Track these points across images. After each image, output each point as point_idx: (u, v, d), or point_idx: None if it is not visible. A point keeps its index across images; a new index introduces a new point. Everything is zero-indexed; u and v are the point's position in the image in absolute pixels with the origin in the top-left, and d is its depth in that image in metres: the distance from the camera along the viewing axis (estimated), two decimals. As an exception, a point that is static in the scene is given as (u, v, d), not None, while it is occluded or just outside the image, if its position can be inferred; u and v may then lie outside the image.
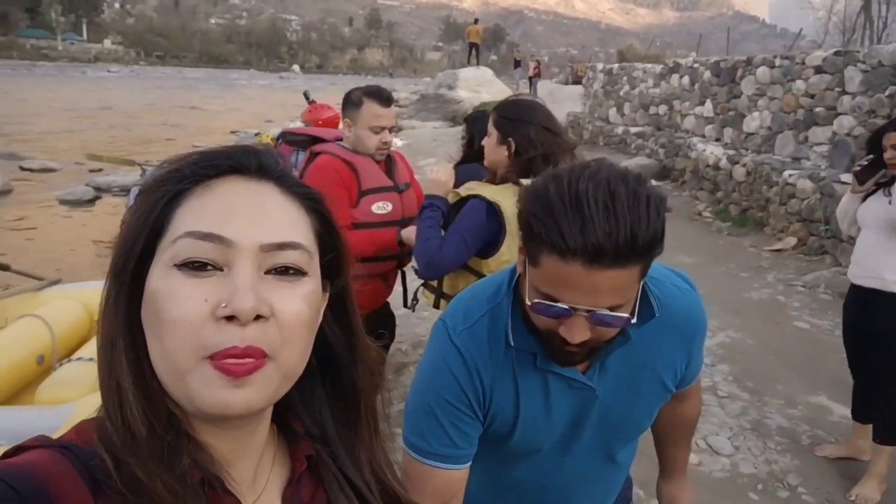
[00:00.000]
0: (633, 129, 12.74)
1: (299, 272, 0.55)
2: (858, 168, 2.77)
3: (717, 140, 9.67)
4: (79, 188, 9.77)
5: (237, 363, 0.51)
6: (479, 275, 1.94)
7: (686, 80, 10.92)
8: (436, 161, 2.17)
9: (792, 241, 6.90)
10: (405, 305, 2.52)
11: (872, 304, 2.73)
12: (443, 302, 2.09)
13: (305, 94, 4.25)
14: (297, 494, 0.62)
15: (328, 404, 0.67)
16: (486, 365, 1.08)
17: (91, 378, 3.07)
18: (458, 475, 1.12)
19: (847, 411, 3.50)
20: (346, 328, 0.65)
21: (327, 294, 0.62)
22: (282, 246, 0.54)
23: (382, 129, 2.37)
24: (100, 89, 38.44)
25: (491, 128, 1.97)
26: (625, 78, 13.91)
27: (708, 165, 9.07)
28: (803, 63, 7.73)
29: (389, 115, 2.40)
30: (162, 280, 0.52)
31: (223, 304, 0.50)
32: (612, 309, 0.90)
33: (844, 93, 7.06)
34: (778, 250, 6.83)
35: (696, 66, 10.68)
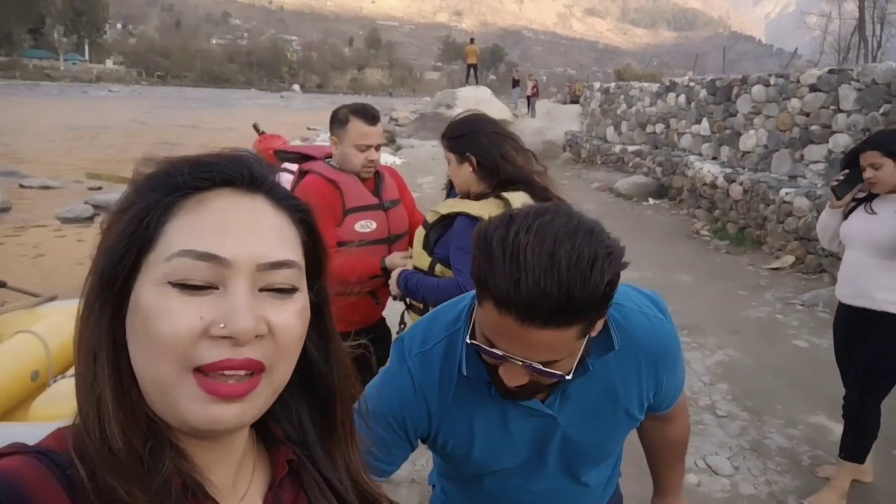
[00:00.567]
0: (631, 148, 12.79)
1: (291, 289, 0.56)
2: (835, 183, 2.74)
3: (714, 158, 9.71)
4: (78, 206, 9.78)
5: (230, 384, 0.51)
6: None
7: (682, 98, 10.99)
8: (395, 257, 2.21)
9: (790, 259, 6.89)
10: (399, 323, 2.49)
11: (862, 323, 2.70)
12: None
13: (255, 127, 4.48)
14: (278, 498, 0.63)
15: (306, 408, 0.67)
16: (434, 393, 1.07)
17: (85, 396, 3.05)
18: None
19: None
20: (323, 334, 0.65)
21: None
22: (277, 265, 0.54)
23: (368, 147, 2.36)
24: (101, 108, 38.65)
25: (447, 155, 2.03)
26: (622, 97, 14.00)
27: (705, 184, 9.09)
28: (798, 81, 7.79)
29: (376, 134, 2.39)
30: (155, 296, 0.51)
31: (221, 325, 0.50)
32: (546, 364, 0.89)
33: (839, 111, 7.11)
34: (776, 269, 6.82)
35: (692, 84, 10.76)
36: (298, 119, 30.95)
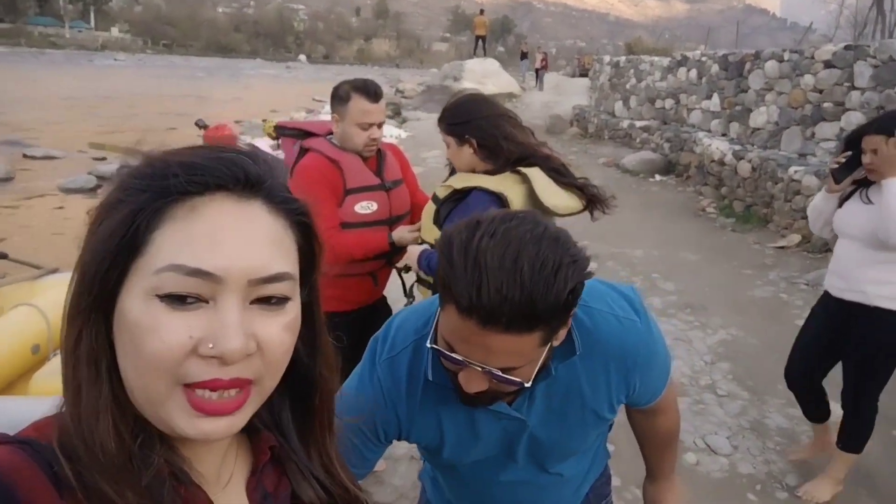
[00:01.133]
0: (639, 123, 12.64)
1: (283, 300, 0.55)
2: (836, 166, 2.57)
3: (724, 135, 9.58)
4: (81, 177, 9.75)
5: (217, 401, 0.51)
6: None
7: (693, 73, 10.82)
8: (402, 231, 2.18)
9: (796, 238, 6.83)
10: (406, 295, 2.46)
11: (855, 318, 2.59)
12: None
13: (198, 124, 4.60)
14: (260, 484, 0.63)
15: (287, 398, 0.67)
16: (401, 399, 1.08)
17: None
18: None
19: (847, 412, 3.47)
20: (311, 327, 0.64)
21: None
22: (269, 279, 0.53)
23: (371, 125, 2.30)
24: (106, 77, 38.44)
25: (445, 138, 2.02)
26: (631, 71, 13.79)
27: (713, 160, 8.99)
28: (812, 57, 7.63)
29: (378, 111, 2.32)
30: (143, 311, 0.50)
31: (210, 344, 0.49)
32: (505, 371, 0.88)
33: (853, 88, 6.97)
34: (782, 247, 6.76)
35: (703, 59, 10.57)
36: (304, 90, 30.73)
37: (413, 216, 2.48)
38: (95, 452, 0.50)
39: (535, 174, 1.89)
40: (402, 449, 2.89)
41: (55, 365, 3.09)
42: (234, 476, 0.62)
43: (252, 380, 0.53)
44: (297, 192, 0.60)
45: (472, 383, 0.91)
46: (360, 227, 2.31)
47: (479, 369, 0.89)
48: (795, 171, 7.11)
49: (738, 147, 8.66)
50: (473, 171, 1.99)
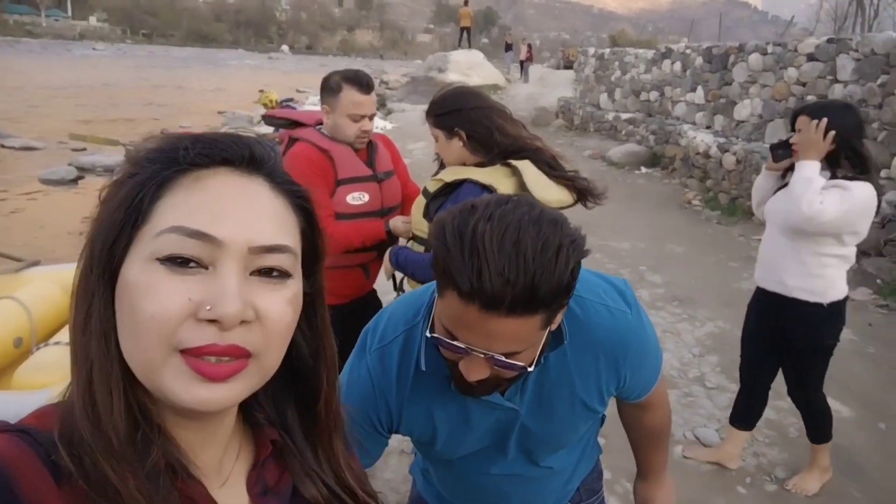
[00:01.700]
0: (624, 116, 12.67)
1: (284, 274, 0.54)
2: (775, 142, 2.45)
3: (708, 127, 9.63)
4: (61, 168, 9.58)
5: (215, 365, 0.50)
6: None
7: (678, 66, 10.85)
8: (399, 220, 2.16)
9: (781, 230, 6.88)
10: (395, 289, 2.44)
11: (777, 308, 2.55)
12: None
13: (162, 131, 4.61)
14: (261, 478, 0.63)
15: (292, 400, 0.67)
16: (391, 390, 1.07)
17: (69, 363, 3.00)
18: None
19: (836, 404, 3.50)
20: (314, 327, 0.64)
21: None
22: (270, 249, 0.53)
23: (362, 116, 2.26)
24: (85, 67, 37.82)
25: (434, 132, 1.99)
26: (616, 63, 13.81)
27: (698, 153, 9.03)
28: (796, 50, 7.69)
29: (370, 102, 2.28)
30: (142, 273, 0.50)
31: (207, 307, 0.49)
32: (507, 355, 0.87)
33: (836, 81, 7.03)
34: (767, 239, 6.82)
35: (688, 52, 10.61)
36: (286, 81, 30.42)
37: (404, 208, 2.46)
38: (105, 434, 0.49)
39: (526, 167, 1.87)
40: (392, 442, 2.86)
41: (39, 359, 3.04)
42: (235, 470, 0.62)
43: (250, 352, 0.52)
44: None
45: (474, 371, 0.90)
46: (352, 218, 2.28)
47: (482, 356, 0.88)
48: (780, 164, 7.16)
49: (722, 139, 8.71)
50: (463, 164, 1.97)
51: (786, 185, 2.44)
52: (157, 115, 17.43)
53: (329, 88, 2.28)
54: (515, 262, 0.78)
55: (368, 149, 2.38)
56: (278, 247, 0.54)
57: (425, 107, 2.04)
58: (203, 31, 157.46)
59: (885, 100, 6.33)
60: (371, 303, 2.59)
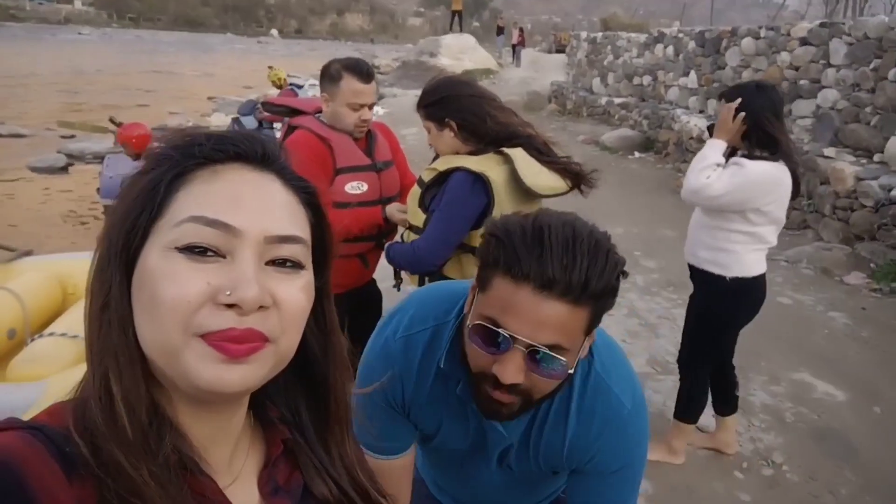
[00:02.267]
0: (617, 100, 12.64)
1: (297, 265, 0.56)
2: (710, 124, 2.52)
3: (701, 112, 9.63)
4: (50, 155, 9.48)
5: (235, 346, 0.51)
6: (470, 248, 1.92)
7: (670, 50, 10.82)
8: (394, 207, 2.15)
9: (774, 214, 6.91)
10: (395, 277, 2.44)
11: (693, 280, 2.66)
12: (427, 280, 2.03)
13: (112, 120, 4.59)
14: (272, 477, 0.63)
15: (303, 397, 0.68)
16: (410, 378, 1.08)
17: (65, 354, 2.99)
18: (396, 464, 1.15)
19: (831, 388, 3.54)
20: (322, 324, 0.65)
21: None
22: (285, 239, 0.55)
23: (362, 106, 2.24)
24: (71, 52, 37.31)
25: (425, 123, 1.99)
26: (609, 47, 13.75)
27: (691, 137, 9.03)
28: (788, 34, 7.67)
29: (370, 92, 2.26)
30: (162, 261, 0.51)
31: (227, 292, 0.50)
32: (551, 348, 0.87)
33: (829, 65, 7.03)
34: (760, 224, 6.84)
35: (680, 35, 10.58)
36: (277, 65, 30.12)
37: (402, 197, 2.44)
38: (120, 424, 0.50)
39: (518, 154, 1.87)
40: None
41: (33, 350, 3.02)
42: (246, 468, 0.62)
43: (268, 337, 0.53)
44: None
45: (510, 371, 0.88)
46: (351, 207, 2.26)
47: (524, 350, 0.87)
48: (773, 149, 7.17)
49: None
50: (456, 153, 1.96)
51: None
52: (145, 100, 17.24)
53: (329, 76, 2.26)
54: (572, 252, 0.84)
55: (367, 138, 2.37)
56: (292, 237, 0.55)
57: (417, 91, 2.03)
58: (191, 16, 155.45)
59: (877, 84, 6.33)
60: (371, 292, 2.58)
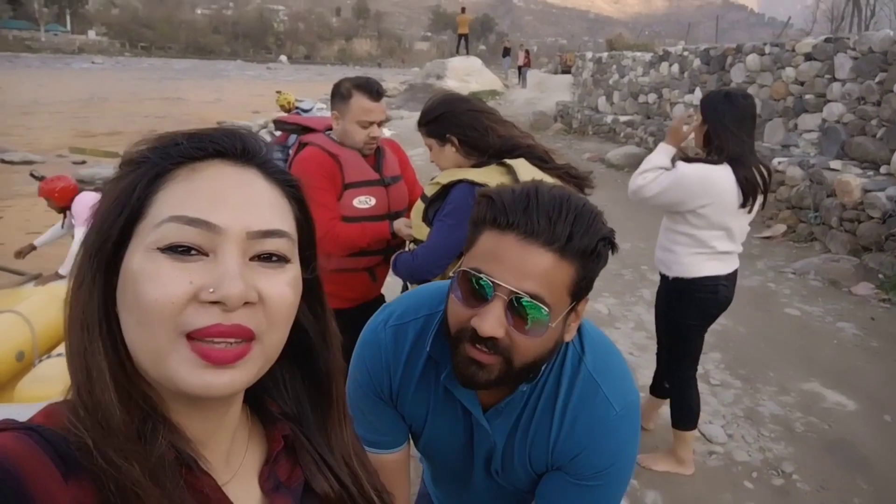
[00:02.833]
0: (623, 118, 12.69)
1: (283, 259, 0.56)
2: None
3: (707, 128, 9.63)
4: (62, 180, 9.58)
5: (221, 349, 0.50)
6: None
7: (675, 68, 10.89)
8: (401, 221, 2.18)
9: (781, 227, 6.89)
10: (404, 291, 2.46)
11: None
12: None
13: (33, 175, 4.57)
14: (273, 473, 0.63)
15: (301, 386, 0.68)
16: (398, 368, 1.07)
17: (72, 374, 3.00)
18: (389, 459, 1.14)
19: (841, 398, 3.51)
20: (318, 314, 0.65)
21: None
22: (268, 233, 0.54)
23: (371, 123, 2.28)
24: (84, 81, 37.95)
25: (427, 141, 2.02)
26: (614, 66, 13.85)
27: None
28: (793, 50, 7.71)
29: (379, 110, 2.31)
30: (144, 262, 0.50)
31: (210, 289, 0.50)
32: (534, 297, 0.86)
33: (834, 80, 7.05)
34: (767, 237, 6.82)
35: (685, 54, 10.65)
36: (286, 90, 30.49)
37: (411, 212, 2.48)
38: (107, 425, 0.50)
39: (520, 164, 1.89)
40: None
41: (40, 372, 3.03)
42: (246, 464, 0.62)
43: (254, 333, 0.52)
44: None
45: (489, 322, 0.86)
46: (359, 221, 2.29)
47: (505, 299, 0.86)
48: (779, 163, 7.18)
49: (721, 140, 8.71)
50: (459, 168, 1.99)
51: None
52: (156, 126, 17.46)
53: (339, 94, 2.30)
54: (559, 208, 0.86)
55: (376, 154, 2.40)
56: (276, 231, 0.55)
57: (420, 112, 2.06)
58: (201, 43, 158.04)
59: (883, 97, 6.34)
60: (379, 307, 2.59)
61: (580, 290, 0.91)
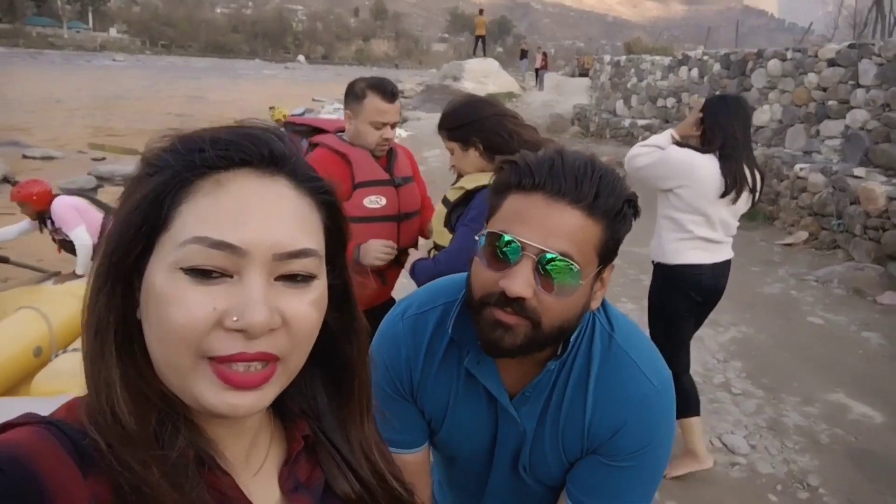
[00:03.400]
0: (641, 122, 12.60)
1: (309, 277, 0.54)
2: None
3: (727, 133, 9.53)
4: (81, 177, 9.67)
5: (242, 373, 0.50)
6: None
7: (695, 72, 10.79)
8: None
9: (803, 235, 6.79)
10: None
11: None
12: None
13: (6, 178, 4.42)
14: (293, 474, 0.62)
15: (321, 383, 0.66)
16: (418, 358, 1.05)
17: (87, 369, 3.02)
18: (409, 459, 1.11)
19: (867, 409, 3.43)
20: (343, 309, 0.63)
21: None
22: (295, 255, 0.52)
23: (384, 124, 2.23)
24: (105, 78, 38.37)
25: (449, 145, 1.97)
26: (632, 70, 13.76)
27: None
28: (816, 56, 7.61)
29: (393, 111, 2.26)
30: (167, 283, 0.49)
31: (234, 318, 0.49)
32: (563, 255, 0.85)
33: (858, 86, 6.94)
34: (789, 244, 6.73)
35: (705, 58, 10.55)
36: (303, 91, 30.68)
37: (423, 217, 2.44)
38: (122, 426, 0.49)
39: None
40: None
41: (57, 366, 3.05)
42: (266, 464, 0.61)
43: (278, 357, 0.52)
44: None
45: (518, 282, 0.84)
46: (369, 221, 2.26)
47: (533, 259, 0.84)
48: (801, 169, 7.08)
49: (742, 145, 8.62)
50: (482, 172, 1.95)
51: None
52: (174, 124, 17.53)
53: (353, 94, 2.25)
54: (584, 168, 0.87)
55: (388, 155, 2.35)
56: (303, 252, 0.53)
57: (440, 115, 2.02)
58: (220, 42, 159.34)
59: (909, 103, 6.23)
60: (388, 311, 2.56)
61: (607, 253, 0.90)
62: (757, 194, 2.57)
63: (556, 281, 0.85)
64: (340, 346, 0.64)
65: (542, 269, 0.85)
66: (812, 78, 7.62)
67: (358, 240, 2.20)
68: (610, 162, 7.21)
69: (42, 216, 4.02)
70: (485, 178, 1.88)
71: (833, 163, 7.02)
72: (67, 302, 3.65)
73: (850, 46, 7.21)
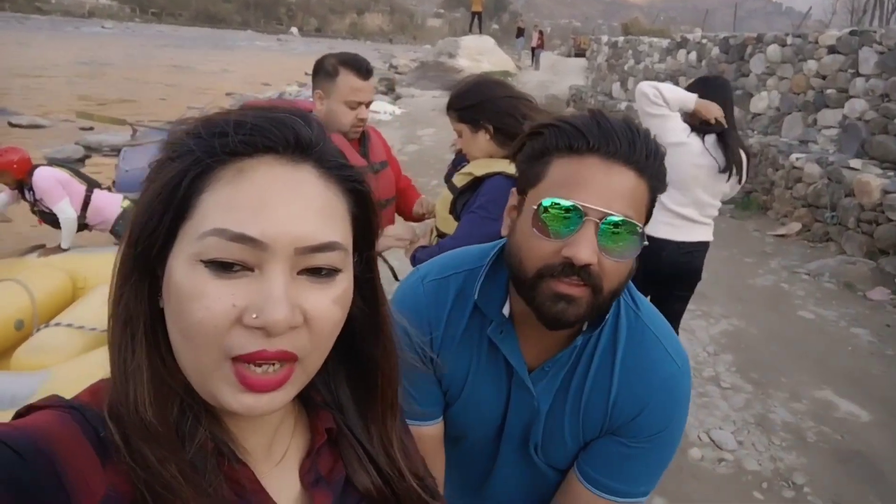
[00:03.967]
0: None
1: (333, 271, 0.52)
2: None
3: (723, 119, 9.47)
4: (68, 146, 9.52)
5: (261, 374, 0.49)
6: None
7: (693, 55, 10.68)
8: (396, 230, 2.06)
9: (796, 226, 6.77)
10: (395, 279, 2.34)
11: None
12: None
13: None
14: (315, 466, 0.61)
15: (345, 376, 0.65)
16: (440, 323, 1.02)
17: (70, 345, 2.96)
18: (427, 432, 1.07)
19: (854, 407, 3.43)
20: (369, 300, 0.61)
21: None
22: (318, 248, 0.50)
23: (360, 104, 2.10)
24: (94, 46, 37.68)
25: (457, 126, 1.88)
26: (630, 52, 13.62)
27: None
28: (816, 42, 7.52)
29: (368, 89, 2.12)
30: (187, 276, 0.48)
31: (254, 315, 0.48)
32: (626, 217, 0.84)
33: (858, 74, 6.87)
34: (781, 235, 6.71)
35: (704, 41, 10.44)
36: (295, 64, 30.27)
37: (398, 200, 2.35)
38: (141, 418, 0.49)
39: None
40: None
41: (38, 340, 2.99)
42: (289, 454, 0.61)
43: (297, 356, 0.50)
44: None
45: (584, 248, 0.81)
46: None
47: (596, 222, 0.82)
48: (797, 158, 7.03)
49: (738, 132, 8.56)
50: (491, 158, 1.87)
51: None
52: (165, 94, 17.33)
53: (325, 72, 2.10)
54: (630, 128, 0.86)
55: (361, 139, 2.22)
56: (327, 245, 0.51)
57: (435, 92, 1.94)
58: (212, 12, 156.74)
59: (908, 95, 6.18)
60: None
61: (649, 214, 0.90)
62: (743, 175, 2.62)
63: (620, 244, 0.84)
64: (365, 340, 0.62)
65: (604, 232, 0.83)
66: (811, 65, 7.55)
67: None
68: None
69: (21, 186, 3.90)
70: (495, 165, 1.81)
71: (829, 153, 6.98)
72: (51, 275, 3.58)
73: (852, 33, 7.13)
